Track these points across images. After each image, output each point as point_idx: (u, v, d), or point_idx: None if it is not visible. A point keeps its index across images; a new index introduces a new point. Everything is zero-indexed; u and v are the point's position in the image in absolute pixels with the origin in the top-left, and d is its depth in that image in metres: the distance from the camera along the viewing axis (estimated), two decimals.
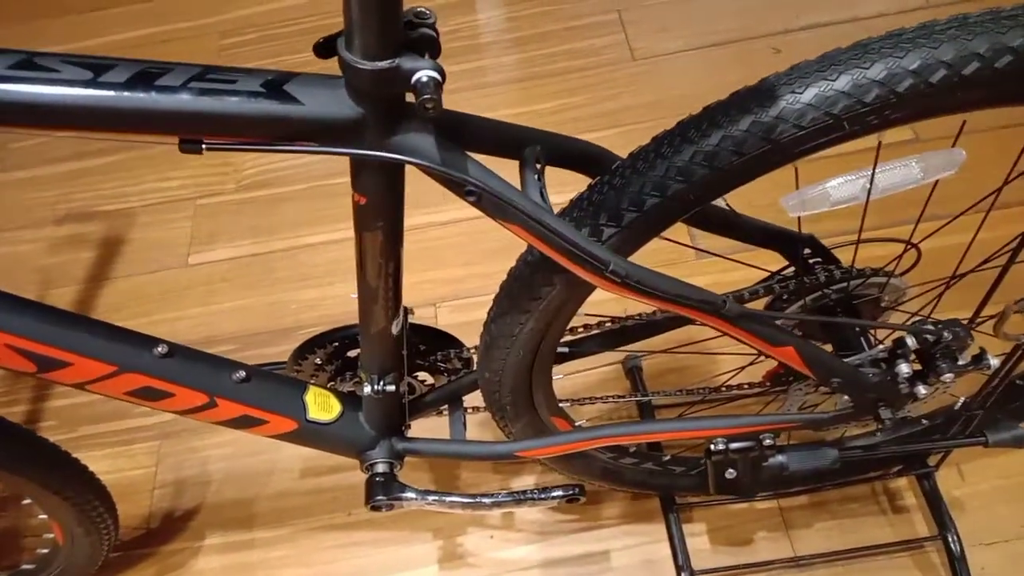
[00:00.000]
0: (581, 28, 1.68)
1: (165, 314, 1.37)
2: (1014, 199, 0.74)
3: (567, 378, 0.89)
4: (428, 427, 0.92)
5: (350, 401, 0.83)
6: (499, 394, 0.80)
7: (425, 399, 0.90)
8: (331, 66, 0.52)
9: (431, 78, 0.50)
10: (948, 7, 1.58)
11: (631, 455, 1.00)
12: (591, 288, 0.67)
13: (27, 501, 0.87)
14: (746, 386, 0.95)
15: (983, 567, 1.02)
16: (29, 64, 0.49)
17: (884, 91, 0.53)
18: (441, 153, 0.56)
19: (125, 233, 1.49)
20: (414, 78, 0.50)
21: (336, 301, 1.35)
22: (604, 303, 0.78)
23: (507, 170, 0.62)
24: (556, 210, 0.61)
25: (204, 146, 0.52)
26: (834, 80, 0.54)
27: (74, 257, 1.46)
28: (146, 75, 0.51)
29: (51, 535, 0.94)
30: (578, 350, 0.88)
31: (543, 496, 0.86)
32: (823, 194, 0.65)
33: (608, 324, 0.90)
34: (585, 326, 0.86)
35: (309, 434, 0.82)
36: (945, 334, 0.74)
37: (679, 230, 0.64)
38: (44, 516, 0.89)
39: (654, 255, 0.64)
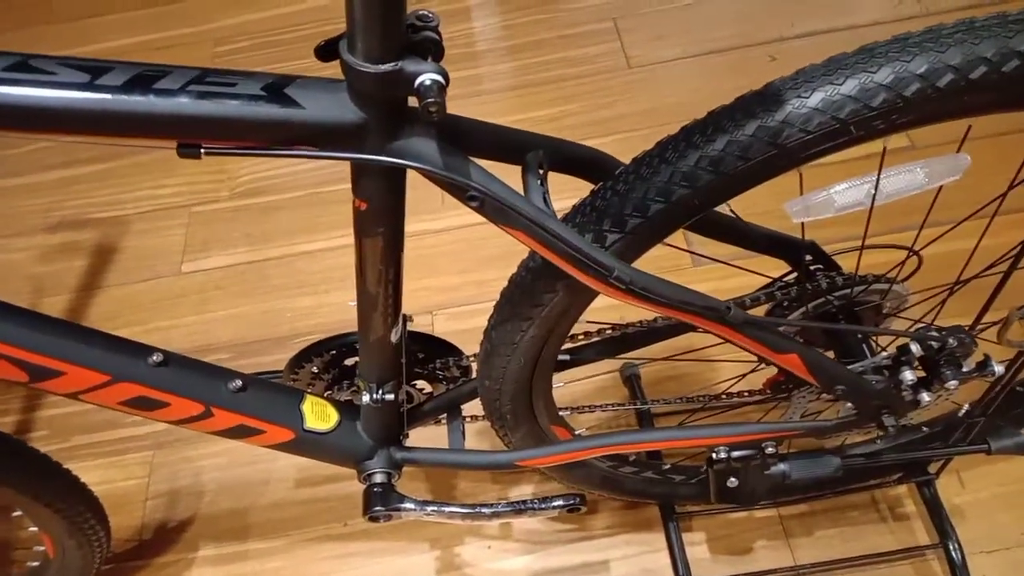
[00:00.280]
0: (577, 36, 1.68)
1: (159, 322, 1.36)
2: (1016, 206, 0.73)
3: (566, 386, 0.88)
4: (426, 436, 0.91)
5: (347, 410, 0.82)
6: (499, 402, 0.79)
7: (423, 408, 0.89)
8: (332, 70, 0.52)
9: (435, 81, 0.49)
10: (946, 14, 1.59)
11: (631, 464, 0.99)
12: (594, 295, 0.66)
13: (17, 513, 0.86)
14: (746, 394, 0.94)
15: (984, 575, 1.01)
16: (24, 67, 0.49)
17: (891, 95, 0.53)
18: (444, 158, 0.55)
19: (118, 241, 1.48)
20: (417, 81, 0.49)
21: (332, 309, 1.35)
22: (601, 311, 0.77)
23: (510, 175, 0.61)
24: (559, 216, 0.61)
25: (203, 150, 0.52)
26: (840, 84, 0.54)
27: (67, 265, 1.45)
28: (144, 78, 0.50)
29: (42, 548, 0.92)
30: (578, 357, 0.87)
31: (543, 506, 0.85)
32: (827, 200, 0.64)
33: (608, 331, 0.89)
34: (585, 333, 0.85)
35: (306, 444, 0.80)
36: (950, 341, 0.73)
37: (675, 235, 0.63)
38: (34, 528, 0.88)
39: (652, 262, 0.64)
